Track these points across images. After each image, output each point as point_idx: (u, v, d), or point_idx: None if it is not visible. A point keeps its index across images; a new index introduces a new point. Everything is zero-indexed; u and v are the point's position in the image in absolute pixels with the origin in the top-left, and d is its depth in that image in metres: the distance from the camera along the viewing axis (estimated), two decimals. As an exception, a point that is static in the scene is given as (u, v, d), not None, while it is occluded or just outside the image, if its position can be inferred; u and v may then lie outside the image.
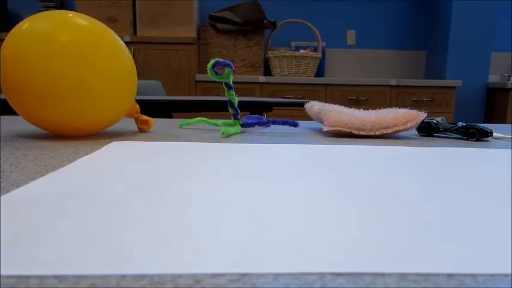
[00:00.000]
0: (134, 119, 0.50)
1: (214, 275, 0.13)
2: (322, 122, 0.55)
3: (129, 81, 0.44)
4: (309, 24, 2.80)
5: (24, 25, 0.39)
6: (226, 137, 0.48)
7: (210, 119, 0.57)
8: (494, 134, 0.52)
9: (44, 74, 0.38)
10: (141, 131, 0.51)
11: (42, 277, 0.13)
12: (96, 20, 0.42)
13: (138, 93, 1.62)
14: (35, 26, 0.39)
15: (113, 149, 0.37)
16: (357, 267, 0.14)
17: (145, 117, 0.51)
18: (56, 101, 0.39)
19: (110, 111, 0.43)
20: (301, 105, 1.36)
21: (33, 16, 0.40)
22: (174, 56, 2.56)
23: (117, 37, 0.43)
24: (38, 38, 0.38)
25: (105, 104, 0.42)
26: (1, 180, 0.25)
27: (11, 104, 0.41)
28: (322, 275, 0.14)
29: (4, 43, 0.40)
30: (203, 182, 0.25)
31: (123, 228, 0.17)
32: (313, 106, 0.59)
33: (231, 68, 0.49)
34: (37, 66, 0.38)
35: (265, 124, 0.55)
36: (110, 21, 2.55)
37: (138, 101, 0.67)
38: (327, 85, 2.68)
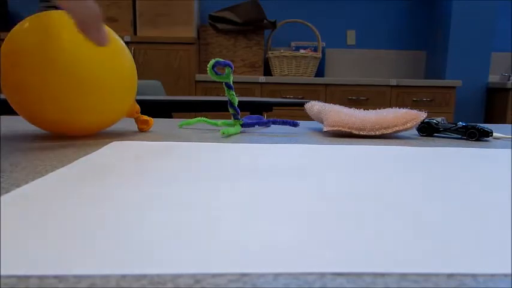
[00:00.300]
0: (134, 119, 0.50)
1: (214, 275, 0.13)
2: (322, 122, 0.55)
3: (129, 81, 0.44)
4: (309, 24, 2.80)
5: (24, 25, 0.39)
6: (226, 137, 0.48)
7: (210, 119, 0.57)
8: (494, 134, 0.52)
9: (44, 74, 0.38)
10: (141, 131, 0.51)
11: (42, 277, 0.13)
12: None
13: (138, 93, 1.62)
14: (35, 25, 0.39)
15: (113, 149, 0.37)
16: (357, 267, 0.14)
17: (146, 117, 0.51)
18: (55, 101, 0.39)
19: (110, 111, 0.43)
20: (301, 105, 1.36)
21: (33, 16, 0.40)
22: (174, 56, 2.56)
23: (117, 37, 0.43)
24: (38, 38, 0.38)
25: (105, 104, 0.42)
26: (1, 180, 0.25)
27: (11, 104, 0.41)
28: (322, 275, 0.14)
29: (4, 43, 0.40)
30: (203, 182, 0.25)
31: (123, 228, 0.17)
32: (313, 106, 0.59)
33: (231, 68, 0.49)
34: (37, 66, 0.38)
35: (265, 124, 0.55)
36: (110, 21, 2.56)
37: (138, 101, 0.67)
38: (327, 85, 2.68)
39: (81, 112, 0.41)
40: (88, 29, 0.35)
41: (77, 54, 0.39)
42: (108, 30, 0.42)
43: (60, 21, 0.39)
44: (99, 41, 0.37)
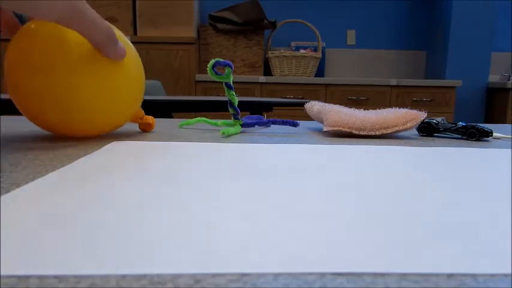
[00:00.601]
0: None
1: (214, 275, 0.13)
2: (322, 122, 0.55)
3: (136, 86, 0.43)
4: (309, 24, 2.80)
5: (30, 26, 0.39)
6: (226, 137, 0.48)
7: (210, 119, 0.57)
8: (494, 134, 0.53)
9: (48, 76, 0.37)
10: (143, 131, 0.51)
11: (42, 277, 0.13)
12: (104, 21, 0.41)
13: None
14: (42, 26, 0.38)
15: (113, 149, 0.37)
16: (357, 267, 0.14)
17: (149, 120, 0.50)
18: (59, 103, 0.38)
19: (115, 116, 0.42)
20: (301, 105, 1.36)
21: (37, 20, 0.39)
22: (174, 56, 2.56)
23: (125, 39, 0.42)
24: (45, 38, 0.37)
25: (110, 109, 0.41)
26: (1, 180, 0.25)
27: (16, 105, 0.41)
28: (322, 275, 0.14)
29: (11, 43, 0.39)
30: (203, 182, 0.25)
31: (123, 228, 0.17)
32: (313, 106, 0.59)
33: (231, 68, 0.49)
34: (43, 67, 0.37)
35: (265, 124, 0.55)
36: (110, 21, 2.56)
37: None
38: (327, 85, 2.68)
39: (86, 116, 0.40)
40: (104, 50, 0.38)
41: (83, 57, 0.38)
42: (118, 33, 0.41)
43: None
44: (116, 57, 0.39)
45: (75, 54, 0.38)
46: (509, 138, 0.53)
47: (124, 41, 0.42)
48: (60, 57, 0.37)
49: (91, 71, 0.38)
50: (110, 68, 0.40)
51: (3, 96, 1.17)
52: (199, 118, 0.56)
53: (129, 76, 0.42)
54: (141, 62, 0.45)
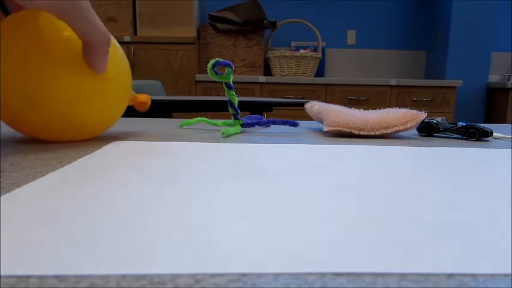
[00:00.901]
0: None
1: (214, 275, 0.13)
2: (322, 122, 0.55)
3: (124, 83, 0.42)
4: (309, 24, 2.80)
5: (10, 20, 0.35)
6: (226, 137, 0.48)
7: (210, 119, 0.57)
8: (494, 134, 0.53)
9: (28, 79, 0.35)
10: (140, 111, 0.48)
11: (42, 277, 0.13)
12: (103, 26, 0.39)
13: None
14: (25, 23, 0.35)
15: (113, 149, 0.37)
16: (357, 267, 0.14)
17: (142, 99, 0.48)
18: (42, 108, 0.36)
19: (102, 119, 0.41)
20: (301, 105, 1.36)
21: (20, 13, 0.36)
22: (174, 56, 2.56)
23: (114, 41, 0.41)
24: (29, 37, 0.35)
25: (96, 113, 0.39)
26: (1, 180, 0.25)
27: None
28: (322, 275, 0.14)
29: None
30: (203, 182, 0.25)
31: (123, 228, 0.17)
32: (313, 106, 0.59)
33: (231, 68, 0.49)
34: (28, 68, 0.35)
35: (265, 124, 0.55)
36: (110, 21, 2.56)
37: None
38: (327, 85, 2.68)
39: (71, 121, 0.38)
40: (93, 55, 0.36)
41: (70, 59, 0.36)
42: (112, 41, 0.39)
43: (49, 20, 0.36)
44: (100, 69, 0.37)
45: (57, 54, 0.35)
46: (509, 138, 0.53)
47: (113, 43, 0.40)
48: (46, 59, 0.35)
49: (79, 72, 0.36)
50: (93, 73, 0.37)
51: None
52: (199, 118, 0.56)
53: (118, 75, 0.40)
54: (125, 57, 0.43)
